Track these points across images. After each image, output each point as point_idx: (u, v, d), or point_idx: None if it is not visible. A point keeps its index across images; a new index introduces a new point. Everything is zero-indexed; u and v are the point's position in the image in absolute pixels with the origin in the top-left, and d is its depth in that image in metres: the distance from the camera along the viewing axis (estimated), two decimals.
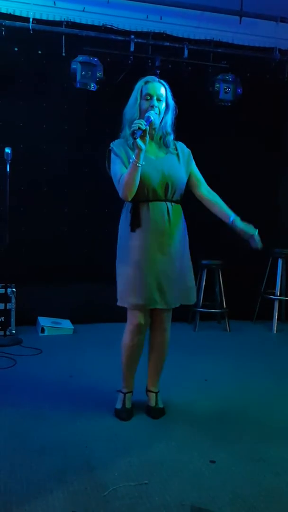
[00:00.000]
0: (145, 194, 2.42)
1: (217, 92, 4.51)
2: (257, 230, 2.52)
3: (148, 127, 2.30)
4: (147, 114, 2.36)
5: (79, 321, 4.38)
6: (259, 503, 1.90)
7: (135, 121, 2.29)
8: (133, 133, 2.26)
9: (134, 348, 2.55)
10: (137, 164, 2.30)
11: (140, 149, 2.28)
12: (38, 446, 2.26)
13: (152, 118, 2.35)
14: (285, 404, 2.89)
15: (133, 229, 2.44)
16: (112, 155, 2.48)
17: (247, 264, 4.72)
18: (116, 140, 2.51)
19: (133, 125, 2.27)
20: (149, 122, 2.33)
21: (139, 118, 2.37)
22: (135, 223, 2.43)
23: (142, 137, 2.28)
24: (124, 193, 2.38)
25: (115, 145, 2.48)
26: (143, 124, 2.26)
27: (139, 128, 2.24)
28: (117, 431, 2.45)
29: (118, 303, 2.52)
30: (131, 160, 2.33)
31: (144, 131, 2.27)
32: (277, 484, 2.04)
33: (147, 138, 2.31)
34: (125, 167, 2.39)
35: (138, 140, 2.26)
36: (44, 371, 3.29)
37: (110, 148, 2.50)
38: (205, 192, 2.62)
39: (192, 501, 1.90)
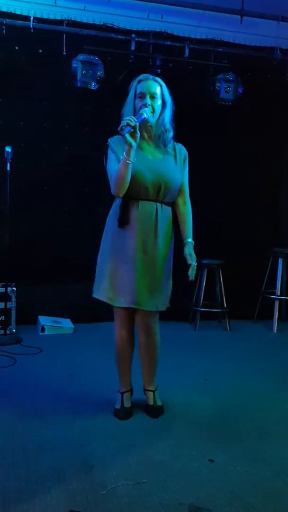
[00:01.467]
0: (137, 193, 2.42)
1: (218, 91, 4.50)
2: (196, 264, 2.49)
3: (137, 124, 2.28)
4: (140, 111, 2.36)
5: (80, 320, 4.38)
6: (258, 503, 1.90)
7: (125, 118, 2.29)
8: (121, 129, 2.24)
9: (123, 341, 2.56)
10: (127, 161, 2.29)
11: (130, 146, 2.27)
12: (37, 445, 2.26)
13: (145, 115, 2.34)
14: (285, 404, 2.88)
15: (120, 225, 2.43)
16: (109, 151, 2.47)
17: (248, 263, 4.73)
18: (114, 136, 2.49)
19: (122, 121, 2.26)
20: (142, 119, 2.32)
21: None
22: (123, 220, 2.43)
23: (133, 134, 2.26)
24: (114, 190, 2.39)
25: (112, 141, 2.48)
26: (132, 121, 2.25)
27: (127, 124, 2.23)
28: (116, 430, 2.45)
29: (94, 295, 2.53)
30: (121, 157, 2.32)
31: (134, 127, 2.25)
32: (276, 484, 2.04)
33: (138, 134, 2.29)
34: (118, 164, 2.38)
35: (127, 136, 2.25)
36: (44, 370, 3.29)
37: (107, 143, 2.49)
38: (181, 202, 2.58)
39: (190, 500, 1.90)
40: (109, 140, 2.49)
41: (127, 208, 2.43)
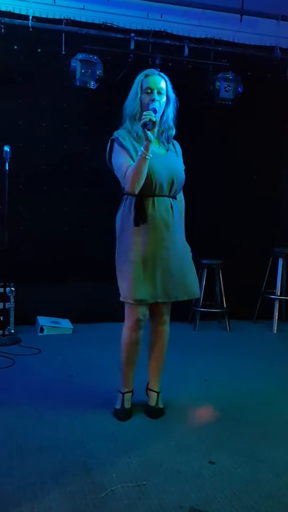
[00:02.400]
0: (152, 189, 2.39)
1: (217, 90, 4.49)
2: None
3: (158, 119, 2.30)
4: (152, 106, 2.34)
5: (79, 320, 4.36)
6: (259, 505, 1.88)
7: (145, 113, 2.28)
8: (144, 125, 2.25)
9: (133, 344, 2.53)
10: (146, 156, 2.28)
11: (150, 141, 2.27)
12: (36, 446, 2.24)
13: (157, 109, 2.34)
14: (286, 404, 2.86)
15: (137, 224, 2.40)
16: (116, 146, 2.43)
17: (248, 263, 4.72)
18: (119, 130, 2.47)
19: (143, 117, 2.27)
20: (156, 113, 2.32)
21: (140, 113, 2.36)
22: (140, 218, 2.39)
23: (152, 129, 2.27)
24: (131, 186, 2.34)
25: (119, 135, 2.43)
26: (153, 116, 2.26)
27: (150, 119, 2.24)
28: (115, 432, 2.43)
29: (121, 299, 2.49)
30: (139, 152, 2.30)
31: (154, 122, 2.26)
32: (277, 485, 2.02)
33: (156, 129, 2.31)
34: (132, 160, 2.35)
35: (149, 132, 2.25)
36: (43, 370, 3.27)
37: (113, 138, 2.45)
38: (178, 199, 2.58)
39: (191, 503, 1.88)
40: (115, 134, 2.45)
41: (143, 205, 2.40)
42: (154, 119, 2.26)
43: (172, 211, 2.46)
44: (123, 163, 2.38)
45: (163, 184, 2.41)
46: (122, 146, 2.40)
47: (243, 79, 4.54)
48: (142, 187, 2.35)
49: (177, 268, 2.47)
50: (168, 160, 2.47)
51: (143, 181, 2.33)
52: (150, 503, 1.86)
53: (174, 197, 2.51)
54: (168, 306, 2.60)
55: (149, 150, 2.28)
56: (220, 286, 4.57)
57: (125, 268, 2.45)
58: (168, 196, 2.46)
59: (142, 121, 2.27)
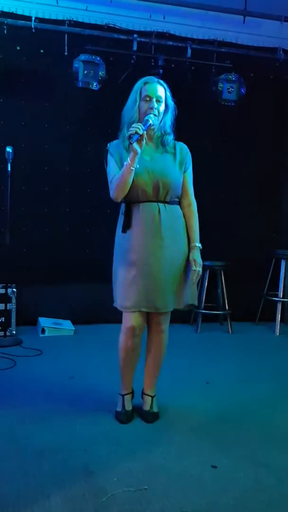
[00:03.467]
0: (136, 195, 2.40)
1: (220, 91, 4.48)
2: (200, 270, 2.48)
3: (145, 132, 2.29)
4: (146, 118, 2.34)
5: (80, 322, 4.35)
6: (261, 510, 1.86)
7: (133, 125, 2.29)
8: (129, 137, 2.26)
9: (128, 351, 2.50)
10: (131, 168, 2.30)
11: (135, 153, 2.28)
12: (36, 449, 2.22)
13: (150, 121, 2.34)
14: None
15: (123, 230, 2.43)
16: (108, 155, 2.48)
17: (250, 265, 4.70)
18: (113, 141, 2.50)
19: (130, 129, 2.28)
20: (147, 126, 2.32)
21: (138, 120, 2.37)
22: (126, 225, 2.42)
23: (139, 141, 2.27)
24: (114, 194, 2.39)
25: (111, 146, 2.49)
26: (140, 129, 2.26)
27: (136, 132, 2.24)
28: (117, 435, 2.41)
29: (114, 305, 2.50)
30: (125, 163, 2.31)
31: (141, 135, 2.26)
32: (280, 490, 2.00)
33: (144, 142, 2.31)
34: (118, 168, 2.38)
35: (134, 144, 2.26)
36: (44, 372, 3.26)
37: (107, 148, 2.50)
38: (186, 204, 2.53)
39: (193, 507, 1.86)
40: (108, 145, 2.49)
41: (129, 212, 2.42)
42: (141, 132, 2.25)
43: (160, 216, 2.40)
44: (111, 171, 2.43)
45: (145, 189, 2.38)
46: (111, 155, 2.45)
47: (246, 80, 4.53)
48: (128, 194, 2.37)
49: (165, 276, 2.41)
50: (156, 164, 2.42)
51: (127, 190, 2.36)
52: (151, 508, 1.84)
53: (167, 202, 2.44)
54: (166, 315, 2.54)
55: (135, 162, 2.29)
56: (222, 288, 4.55)
57: (116, 274, 2.48)
58: (157, 201, 2.41)
59: (128, 133, 2.28)
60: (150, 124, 2.33)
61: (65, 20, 4.27)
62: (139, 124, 2.29)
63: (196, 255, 2.49)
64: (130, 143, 2.26)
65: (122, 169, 2.33)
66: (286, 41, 4.69)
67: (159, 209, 2.42)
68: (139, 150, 2.28)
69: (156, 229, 2.40)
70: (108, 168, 2.47)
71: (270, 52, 4.69)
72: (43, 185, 4.39)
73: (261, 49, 4.72)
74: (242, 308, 4.65)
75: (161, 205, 2.43)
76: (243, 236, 4.82)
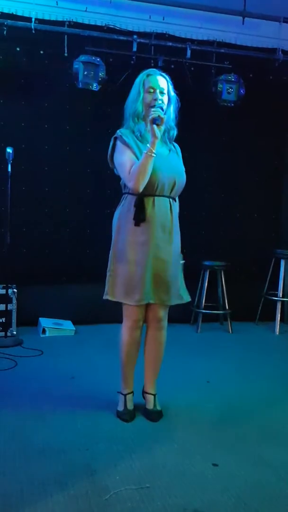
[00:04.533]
0: (153, 189, 2.39)
1: (220, 92, 4.49)
2: (183, 261, 2.57)
3: (165, 116, 2.31)
4: (158, 105, 2.35)
5: (81, 322, 4.36)
6: (263, 508, 1.88)
7: (153, 109, 2.30)
8: (153, 120, 2.26)
9: (132, 344, 2.53)
10: (152, 154, 2.28)
11: (156, 138, 2.28)
12: (39, 449, 2.24)
13: (163, 108, 2.36)
14: None
15: (137, 224, 2.39)
16: (119, 144, 2.42)
17: (249, 265, 4.72)
18: (122, 129, 2.46)
19: (152, 112, 2.29)
20: (164, 111, 2.34)
21: (143, 112, 2.38)
22: (140, 217, 2.38)
23: (160, 125, 2.29)
24: (136, 184, 2.32)
25: (123, 133, 2.42)
26: (161, 112, 2.27)
27: (159, 116, 2.25)
28: (118, 434, 2.42)
29: (111, 298, 2.48)
30: (144, 150, 2.30)
31: (162, 119, 2.28)
32: (281, 488, 2.02)
33: (163, 127, 2.33)
34: (136, 158, 2.35)
35: (156, 128, 2.26)
36: (45, 372, 3.27)
37: (116, 136, 2.44)
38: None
39: (194, 505, 1.87)
40: (118, 132, 2.44)
41: (143, 205, 2.39)
42: (163, 115, 2.28)
43: (171, 212, 2.46)
44: (127, 160, 2.37)
45: (165, 184, 2.40)
46: (125, 144, 2.39)
47: (245, 81, 4.54)
48: (144, 186, 2.35)
49: (170, 271, 2.46)
50: (171, 161, 2.47)
51: (148, 179, 2.32)
52: (153, 506, 1.86)
53: (174, 199, 2.51)
54: (166, 311, 2.58)
55: (155, 147, 2.28)
56: (222, 288, 4.56)
57: (121, 268, 2.45)
58: (169, 197, 2.45)
59: (150, 117, 2.28)
60: (164, 110, 2.35)
61: (65, 21, 4.28)
62: (158, 108, 2.30)
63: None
64: (157, 125, 2.25)
65: (141, 157, 2.30)
66: (285, 42, 4.70)
67: (170, 204, 2.46)
68: (159, 135, 2.29)
69: (169, 224, 2.44)
70: (120, 158, 2.39)
71: (269, 53, 4.70)
72: (43, 185, 4.40)
73: (260, 50, 4.73)
74: (242, 308, 4.66)
75: (171, 200, 2.47)
76: (243, 236, 4.84)
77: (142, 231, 2.40)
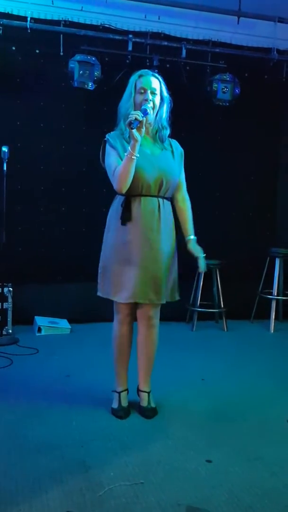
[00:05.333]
0: (139, 189, 2.42)
1: (215, 92, 4.50)
2: (204, 254, 2.56)
3: (144, 119, 2.31)
4: (143, 107, 2.36)
5: (76, 320, 4.37)
6: (256, 503, 1.90)
7: (132, 112, 2.31)
8: (129, 124, 2.26)
9: (122, 338, 2.57)
10: (133, 156, 2.30)
11: (136, 140, 2.29)
12: (34, 446, 2.25)
13: (148, 111, 2.36)
14: (282, 403, 2.88)
15: (123, 223, 2.43)
16: (108, 147, 2.47)
17: (245, 263, 4.74)
18: (111, 132, 2.51)
19: (129, 116, 2.29)
20: (146, 114, 2.34)
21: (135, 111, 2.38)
22: (126, 217, 2.43)
23: (139, 129, 2.29)
24: (118, 185, 2.38)
25: (111, 136, 2.48)
26: (140, 115, 2.27)
27: (135, 118, 2.26)
28: (113, 431, 2.44)
29: (102, 295, 2.53)
30: (126, 153, 2.32)
31: (141, 122, 2.28)
32: (273, 484, 2.04)
33: (143, 130, 2.33)
34: (120, 159, 2.38)
35: (135, 131, 2.27)
36: (41, 370, 3.28)
37: (105, 139, 2.49)
38: (180, 198, 2.61)
39: (188, 501, 1.89)
40: (107, 136, 2.49)
41: (129, 205, 2.43)
42: (140, 118, 2.26)
43: (159, 212, 2.46)
44: (112, 163, 2.41)
45: (150, 184, 2.42)
46: (112, 146, 2.44)
47: (240, 80, 4.56)
48: (130, 187, 2.37)
49: (159, 270, 2.48)
50: (159, 160, 2.47)
51: (130, 181, 2.35)
52: (147, 502, 1.88)
53: (165, 198, 2.51)
54: (156, 309, 2.59)
55: (136, 150, 2.30)
56: (217, 286, 4.59)
57: (109, 266, 2.50)
58: (157, 196, 2.46)
59: (127, 120, 2.28)
60: (148, 113, 2.35)
61: (60, 20, 4.28)
62: (137, 111, 2.31)
63: (195, 245, 2.58)
64: (131, 129, 2.26)
65: (123, 159, 2.33)
66: (280, 41, 4.71)
67: (159, 204, 2.47)
68: (139, 138, 2.30)
69: (156, 224, 2.46)
70: (108, 160, 2.45)
71: (264, 53, 4.72)
72: (39, 184, 4.41)
73: (255, 49, 4.75)
74: (237, 306, 4.68)
75: (160, 200, 2.48)
76: (238, 235, 4.86)
77: (128, 230, 2.44)
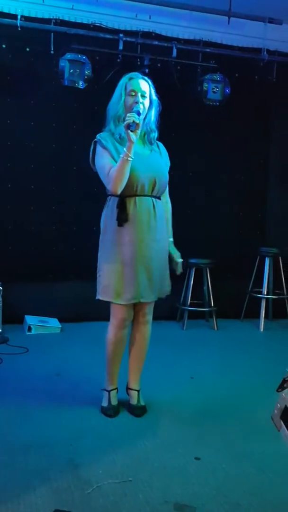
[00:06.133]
0: (133, 189, 2.43)
1: (205, 91, 4.51)
2: (181, 260, 2.65)
3: (141, 121, 2.34)
4: (136, 109, 2.37)
5: (67, 319, 4.37)
6: (243, 500, 1.92)
7: (128, 114, 2.32)
8: (128, 126, 2.28)
9: (118, 342, 2.57)
10: (128, 158, 2.32)
11: (132, 142, 2.31)
12: (23, 444, 2.25)
13: (141, 111, 2.38)
14: (270, 401, 2.89)
15: (120, 224, 2.44)
16: (99, 148, 2.47)
17: (235, 263, 4.76)
18: (102, 133, 2.51)
19: (127, 118, 2.31)
20: (139, 115, 2.35)
21: (124, 114, 2.40)
22: (122, 218, 2.43)
23: (135, 131, 2.31)
24: (114, 187, 2.38)
25: (102, 137, 2.48)
26: (136, 118, 2.30)
27: (133, 121, 2.28)
28: (102, 429, 2.45)
29: (102, 298, 2.52)
30: (121, 154, 2.33)
31: (137, 124, 2.30)
32: (260, 480, 2.06)
33: (139, 131, 2.36)
34: (114, 160, 2.39)
35: (132, 134, 2.28)
36: (31, 369, 3.28)
37: (96, 140, 2.49)
38: (163, 201, 2.63)
39: (176, 498, 1.90)
40: (98, 136, 2.49)
41: (125, 205, 2.44)
42: (137, 121, 2.30)
43: (155, 211, 2.49)
44: (105, 164, 2.42)
45: (144, 184, 2.44)
46: (104, 147, 2.44)
47: (230, 80, 4.57)
48: (124, 187, 2.39)
49: (157, 268, 2.52)
50: (151, 160, 2.50)
51: (126, 182, 2.37)
52: (136, 499, 1.89)
53: (158, 197, 2.54)
54: (151, 306, 2.62)
55: (132, 151, 2.32)
56: (207, 285, 4.61)
57: (109, 268, 2.49)
58: (151, 196, 2.49)
59: (125, 122, 2.31)
60: (141, 114, 2.36)
61: (51, 18, 4.27)
62: (133, 113, 2.32)
63: (173, 248, 2.65)
64: (131, 131, 2.28)
65: (119, 160, 2.34)
66: (270, 42, 4.74)
67: (153, 203, 2.49)
68: (135, 139, 2.32)
69: (152, 223, 2.48)
70: (100, 161, 2.45)
71: (254, 53, 4.74)
72: (29, 183, 4.39)
73: (245, 49, 4.77)
74: (227, 305, 4.71)
75: (154, 199, 2.51)
76: (228, 234, 4.88)
77: (126, 231, 2.45)
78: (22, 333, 4.13)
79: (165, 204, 2.64)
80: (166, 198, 2.66)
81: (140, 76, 2.49)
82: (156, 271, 2.51)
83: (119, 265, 2.46)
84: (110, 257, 2.49)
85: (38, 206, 4.43)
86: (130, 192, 2.43)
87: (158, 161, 2.54)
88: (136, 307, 2.57)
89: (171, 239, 2.66)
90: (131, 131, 2.28)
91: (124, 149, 2.32)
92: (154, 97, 2.50)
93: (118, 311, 2.52)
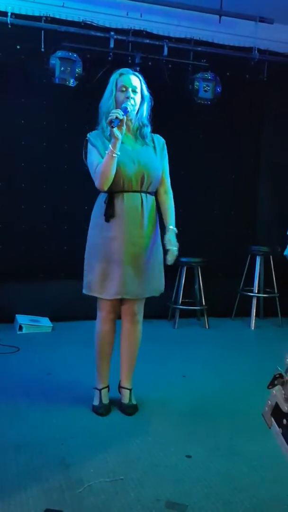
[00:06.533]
0: (120, 185, 2.43)
1: (196, 90, 4.52)
2: (176, 250, 2.54)
3: (125, 117, 2.33)
4: (124, 105, 2.38)
5: (58, 318, 4.35)
6: (234, 498, 1.92)
7: (112, 111, 2.33)
8: (110, 122, 2.28)
9: (105, 336, 2.57)
10: (113, 154, 2.32)
11: (116, 139, 2.31)
12: (14, 444, 2.24)
13: (129, 109, 2.38)
14: (262, 399, 2.90)
15: (107, 220, 2.45)
16: (89, 145, 2.49)
17: (226, 261, 4.78)
18: (93, 131, 2.52)
19: (110, 114, 2.31)
20: (126, 112, 2.36)
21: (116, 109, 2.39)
22: (109, 214, 2.44)
23: (119, 127, 2.31)
24: (100, 183, 2.39)
25: (91, 135, 2.50)
26: (120, 114, 2.29)
27: (116, 117, 2.27)
28: (93, 428, 2.44)
29: (88, 293, 2.53)
30: (107, 150, 2.34)
31: (121, 120, 2.30)
32: (252, 478, 2.07)
33: (124, 128, 2.35)
34: (101, 157, 2.40)
35: (115, 129, 2.29)
36: (22, 368, 3.26)
37: (86, 138, 2.51)
38: (163, 191, 2.63)
39: (167, 496, 1.90)
40: (88, 135, 2.51)
41: (113, 201, 2.45)
42: (121, 117, 2.29)
43: (142, 207, 2.48)
44: (93, 161, 2.43)
45: (132, 179, 2.44)
46: (93, 145, 2.46)
47: (221, 79, 4.58)
48: (111, 184, 2.39)
49: (145, 265, 2.51)
50: (139, 155, 2.49)
51: (112, 178, 2.37)
52: (127, 497, 1.89)
53: (148, 193, 2.53)
54: (141, 305, 2.62)
55: (117, 148, 2.31)
56: (199, 284, 4.62)
57: (94, 263, 2.50)
58: (140, 192, 2.48)
59: (108, 118, 2.31)
60: (128, 111, 2.37)
61: (41, 16, 4.25)
62: (118, 109, 2.33)
63: (171, 236, 2.56)
64: (112, 127, 2.28)
65: (105, 157, 2.35)
66: (261, 41, 4.75)
67: (141, 199, 2.48)
68: (119, 136, 2.32)
69: (140, 219, 2.47)
70: (89, 158, 2.48)
71: (245, 52, 4.75)
72: (20, 181, 4.37)
73: (236, 48, 4.78)
74: (219, 304, 4.72)
75: (143, 195, 2.50)
76: (219, 233, 4.89)
77: (113, 227, 2.45)
78: (13, 332, 4.11)
79: (166, 194, 2.61)
80: (166, 188, 2.62)
81: (131, 71, 2.50)
82: (144, 268, 2.50)
83: (105, 261, 2.46)
84: (96, 252, 2.50)
85: (29, 205, 4.40)
86: (117, 188, 2.43)
87: (149, 156, 2.52)
88: (124, 306, 2.57)
89: (172, 227, 2.57)
90: (113, 127, 2.28)
91: (110, 146, 2.32)
92: (145, 92, 2.51)
93: (103, 305, 2.54)
